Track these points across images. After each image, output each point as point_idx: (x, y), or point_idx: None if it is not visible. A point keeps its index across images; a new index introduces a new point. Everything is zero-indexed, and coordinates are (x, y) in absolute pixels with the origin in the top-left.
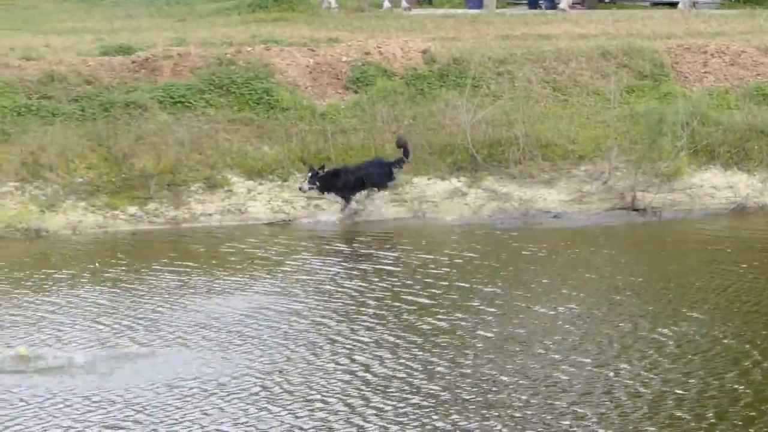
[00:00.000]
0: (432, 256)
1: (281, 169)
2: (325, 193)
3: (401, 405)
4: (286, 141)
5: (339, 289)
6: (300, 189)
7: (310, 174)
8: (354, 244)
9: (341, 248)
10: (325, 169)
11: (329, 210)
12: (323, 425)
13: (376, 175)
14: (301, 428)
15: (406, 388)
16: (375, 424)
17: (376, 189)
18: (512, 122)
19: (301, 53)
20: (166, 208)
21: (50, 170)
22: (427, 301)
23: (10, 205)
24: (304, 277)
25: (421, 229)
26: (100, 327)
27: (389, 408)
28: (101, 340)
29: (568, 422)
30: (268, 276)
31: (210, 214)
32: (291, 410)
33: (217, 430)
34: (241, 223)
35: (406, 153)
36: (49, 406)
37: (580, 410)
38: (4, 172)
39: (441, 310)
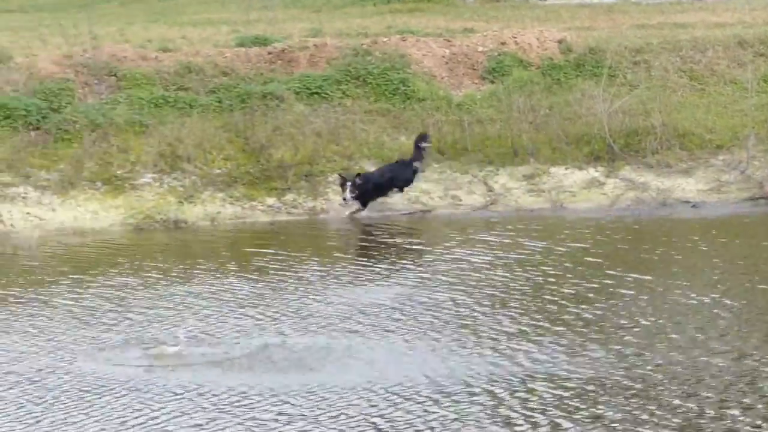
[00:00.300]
0: (575, 245)
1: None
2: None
3: (547, 395)
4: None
5: (484, 279)
6: (344, 200)
7: (350, 184)
8: (495, 234)
9: (483, 238)
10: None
11: (465, 202)
12: (469, 415)
13: (403, 176)
14: (446, 418)
15: (553, 378)
16: (520, 414)
17: (398, 190)
18: (649, 111)
19: (437, 43)
20: (303, 199)
21: (188, 161)
22: (573, 291)
23: (149, 197)
24: (447, 267)
25: (560, 218)
26: (247, 318)
27: (534, 399)
28: (248, 332)
29: (712, 412)
30: (412, 266)
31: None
32: (435, 401)
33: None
34: (379, 214)
35: (420, 147)
36: (208, 399)
37: (724, 399)
38: (142, 163)
39: (588, 300)
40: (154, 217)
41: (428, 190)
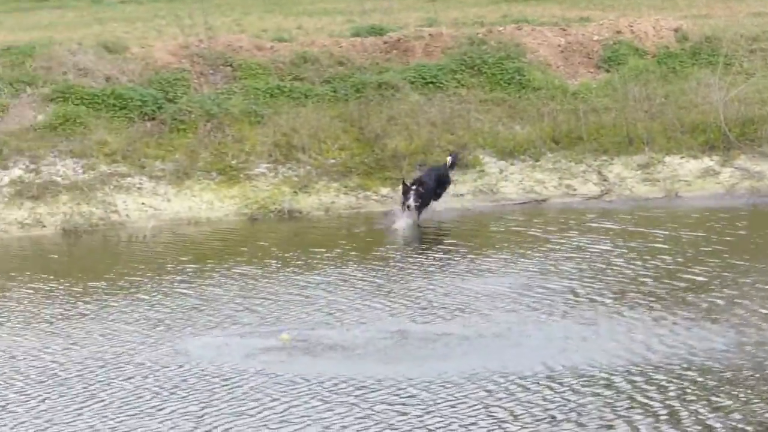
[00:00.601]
0: (697, 234)
1: (533, 149)
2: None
3: (682, 382)
4: (537, 120)
5: (609, 267)
6: (408, 208)
7: (414, 187)
8: (614, 222)
9: (604, 226)
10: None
11: (580, 191)
12: (606, 403)
13: (447, 181)
14: (584, 406)
15: (686, 365)
16: (657, 401)
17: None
18: (765, 100)
19: (553, 32)
20: None
21: (302, 151)
22: (701, 278)
23: (263, 187)
24: (571, 255)
25: (676, 207)
26: (374, 306)
27: (672, 385)
28: (374, 320)
29: None
30: (536, 255)
31: (462, 195)
32: (573, 388)
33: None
34: (493, 204)
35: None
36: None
37: None
38: (257, 153)
39: (716, 287)
40: (269, 207)
41: (542, 180)
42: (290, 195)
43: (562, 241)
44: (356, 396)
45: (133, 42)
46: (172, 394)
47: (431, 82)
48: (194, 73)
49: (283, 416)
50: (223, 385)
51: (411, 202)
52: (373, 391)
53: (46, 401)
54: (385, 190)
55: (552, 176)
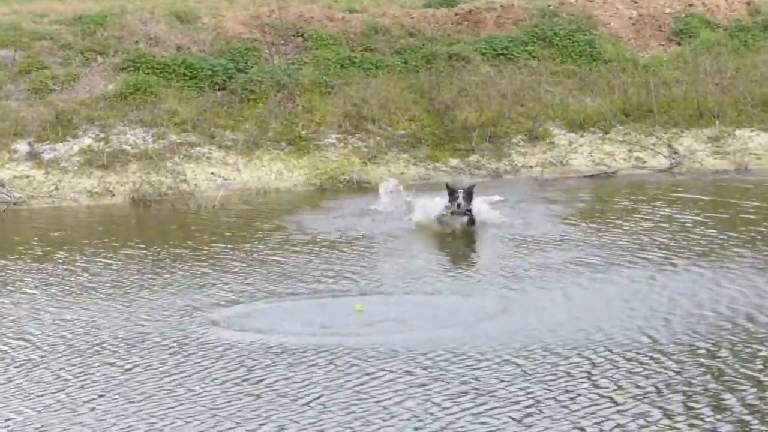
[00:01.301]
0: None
1: (603, 121)
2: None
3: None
4: (608, 93)
5: (698, 238)
6: (458, 209)
7: (461, 191)
8: (692, 195)
9: (683, 197)
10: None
11: (649, 164)
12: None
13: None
14: (687, 379)
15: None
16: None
17: None
18: None
19: (624, 5)
20: (487, 160)
21: (372, 122)
22: None
23: (333, 157)
24: (656, 225)
25: (747, 180)
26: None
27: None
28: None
29: None
30: (617, 225)
31: (531, 167)
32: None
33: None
34: (562, 176)
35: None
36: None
37: None
38: (327, 124)
39: None
40: (338, 177)
41: (612, 152)
42: (359, 166)
43: (647, 210)
44: (448, 368)
45: (205, 12)
46: (252, 369)
47: (502, 54)
48: (265, 44)
49: (376, 391)
50: (308, 358)
51: (462, 203)
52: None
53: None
54: (454, 161)
55: (621, 149)
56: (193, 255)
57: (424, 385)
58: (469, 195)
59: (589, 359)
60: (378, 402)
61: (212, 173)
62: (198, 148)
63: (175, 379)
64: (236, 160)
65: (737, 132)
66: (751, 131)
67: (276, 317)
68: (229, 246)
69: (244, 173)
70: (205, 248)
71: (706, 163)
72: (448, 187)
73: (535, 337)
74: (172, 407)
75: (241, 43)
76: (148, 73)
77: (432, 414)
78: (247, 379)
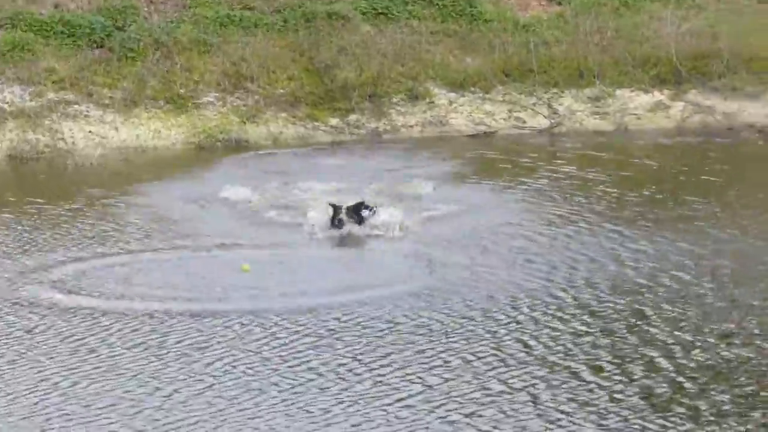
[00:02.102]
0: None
1: (483, 81)
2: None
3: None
4: (488, 53)
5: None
6: (338, 225)
7: (343, 208)
8: (572, 155)
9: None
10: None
11: (529, 123)
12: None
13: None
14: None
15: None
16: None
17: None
18: (717, 35)
19: None
20: (367, 120)
21: (251, 81)
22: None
23: (211, 116)
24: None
25: (626, 141)
26: None
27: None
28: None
29: None
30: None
31: (411, 126)
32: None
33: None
34: (442, 135)
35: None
36: None
37: None
38: (206, 82)
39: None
40: (216, 136)
41: (492, 112)
42: (238, 125)
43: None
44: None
45: None
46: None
47: (382, 13)
48: (144, 2)
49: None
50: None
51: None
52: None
53: None
54: (334, 121)
55: (501, 108)
56: (58, 213)
57: None
58: (356, 209)
59: (513, 318)
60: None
61: (90, 131)
62: (76, 106)
63: None
64: (114, 118)
65: (617, 92)
66: (631, 91)
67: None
68: (93, 204)
69: (122, 132)
70: (68, 206)
71: (586, 123)
72: (330, 205)
73: (453, 291)
74: None
75: (120, 1)
76: (25, 31)
77: None
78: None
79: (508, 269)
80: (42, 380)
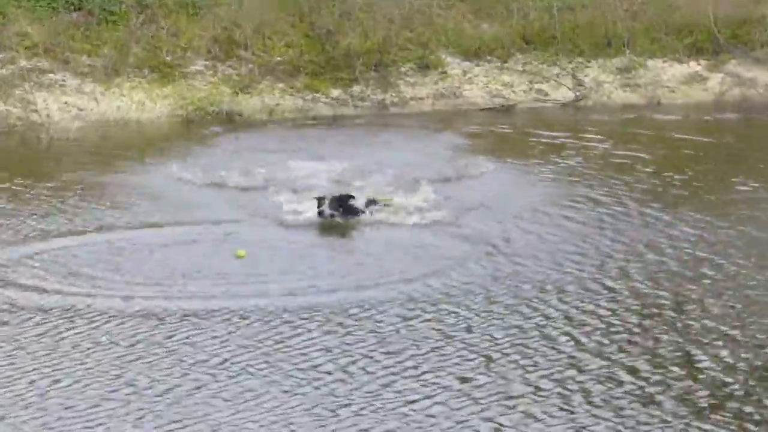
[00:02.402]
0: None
1: (501, 49)
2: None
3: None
4: (506, 18)
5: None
6: (322, 216)
7: (327, 199)
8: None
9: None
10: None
11: (552, 96)
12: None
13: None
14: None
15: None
16: None
17: None
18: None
19: None
20: (372, 91)
21: (245, 48)
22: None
23: (201, 86)
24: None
25: (659, 116)
26: None
27: None
28: None
29: None
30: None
31: (421, 99)
32: None
33: None
34: (456, 108)
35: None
36: None
37: None
38: (194, 49)
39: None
40: (206, 108)
41: (510, 83)
42: (230, 96)
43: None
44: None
45: None
46: None
47: None
48: None
49: None
50: None
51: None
52: None
53: None
54: (336, 92)
55: (521, 79)
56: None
57: None
58: (341, 201)
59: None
60: None
61: (66, 103)
62: (51, 74)
63: None
64: (93, 88)
65: (649, 62)
66: (664, 62)
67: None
68: (68, 183)
69: (102, 103)
70: (43, 185)
71: (614, 96)
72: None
73: (479, 285)
74: None
75: None
76: None
77: None
78: None
79: (535, 259)
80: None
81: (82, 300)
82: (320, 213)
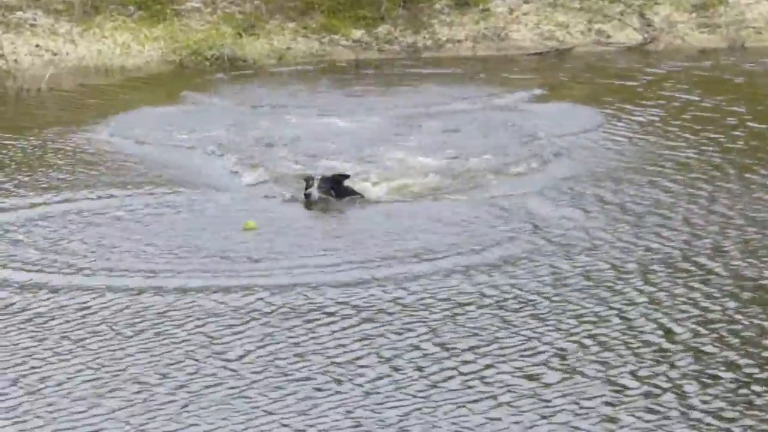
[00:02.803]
0: None
1: None
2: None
3: None
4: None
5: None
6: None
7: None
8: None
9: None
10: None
11: (615, 38)
12: None
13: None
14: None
15: None
16: None
17: None
18: None
19: None
20: (401, 33)
21: None
22: None
23: (198, 26)
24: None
25: (744, 62)
26: None
27: None
28: None
29: None
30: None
31: (459, 41)
32: None
33: None
34: (500, 53)
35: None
36: None
37: None
38: None
39: None
40: (204, 52)
41: (565, 23)
42: (232, 38)
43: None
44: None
45: None
46: None
47: None
48: None
49: None
50: None
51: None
52: None
53: None
54: (357, 33)
55: (579, 19)
56: None
57: None
58: (334, 181)
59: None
60: None
61: (38, 46)
62: (19, 12)
63: None
64: (69, 29)
65: None
66: None
67: None
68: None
69: (80, 46)
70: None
71: (689, 38)
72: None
73: (548, 264)
74: None
75: None
76: None
77: None
78: None
79: (614, 233)
80: None
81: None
82: (307, 196)
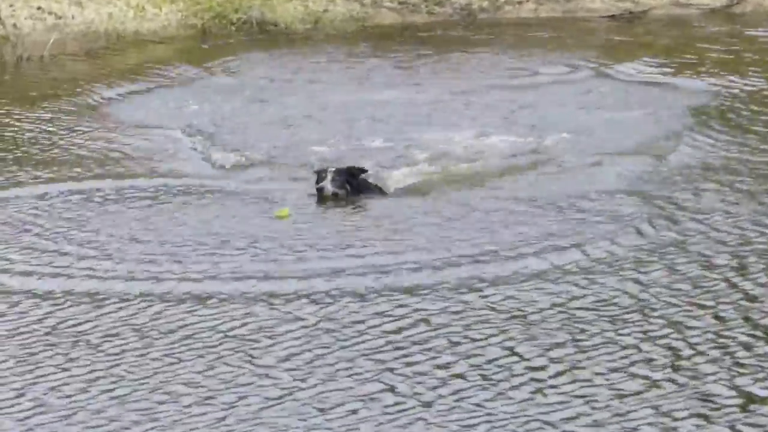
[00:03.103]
0: None
1: None
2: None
3: None
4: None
5: None
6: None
7: (330, 172)
8: None
9: None
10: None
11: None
12: None
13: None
14: None
15: None
16: None
17: None
18: None
19: None
20: None
21: None
22: None
23: None
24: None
25: None
26: None
27: None
28: None
29: None
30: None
31: (520, 2)
32: None
33: None
34: (567, 15)
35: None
36: None
37: None
38: None
39: None
40: (229, 16)
41: None
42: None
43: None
44: None
45: None
46: None
47: None
48: None
49: None
50: None
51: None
52: None
53: None
54: None
55: None
56: None
57: None
58: (349, 174)
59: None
60: None
61: (39, 8)
62: None
63: None
64: None
65: None
66: None
67: None
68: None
69: (87, 9)
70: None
71: None
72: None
73: (658, 254)
74: None
75: None
76: None
77: None
78: None
79: (733, 218)
80: None
81: None
82: (320, 189)
